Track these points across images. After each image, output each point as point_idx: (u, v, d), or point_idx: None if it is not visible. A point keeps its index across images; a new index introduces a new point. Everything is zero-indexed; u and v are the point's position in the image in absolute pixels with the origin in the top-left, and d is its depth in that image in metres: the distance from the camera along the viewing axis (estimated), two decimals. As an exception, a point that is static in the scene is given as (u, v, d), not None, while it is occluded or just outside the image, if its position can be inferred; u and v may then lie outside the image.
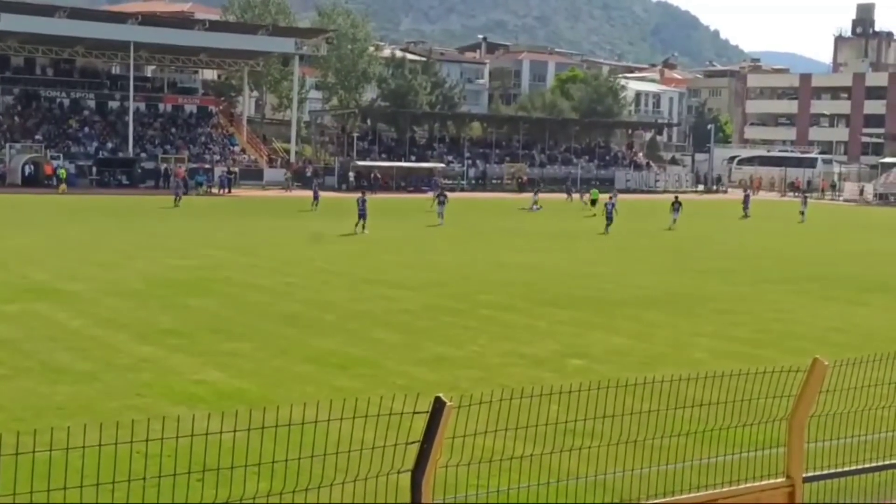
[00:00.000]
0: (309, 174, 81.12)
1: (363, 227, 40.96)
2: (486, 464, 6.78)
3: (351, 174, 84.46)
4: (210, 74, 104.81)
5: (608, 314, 21.70)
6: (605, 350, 17.54)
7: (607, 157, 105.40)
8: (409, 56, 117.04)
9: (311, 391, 13.41)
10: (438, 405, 5.47)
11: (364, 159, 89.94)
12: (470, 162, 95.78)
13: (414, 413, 5.63)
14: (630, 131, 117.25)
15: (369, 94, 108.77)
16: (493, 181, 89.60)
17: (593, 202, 58.47)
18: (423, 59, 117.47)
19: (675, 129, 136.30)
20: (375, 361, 15.93)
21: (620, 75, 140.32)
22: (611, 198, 48.80)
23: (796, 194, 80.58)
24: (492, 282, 27.03)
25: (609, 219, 45.03)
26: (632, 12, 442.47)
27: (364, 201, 42.16)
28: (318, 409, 5.71)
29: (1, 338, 16.71)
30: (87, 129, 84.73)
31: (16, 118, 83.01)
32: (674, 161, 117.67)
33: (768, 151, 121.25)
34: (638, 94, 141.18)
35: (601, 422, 7.02)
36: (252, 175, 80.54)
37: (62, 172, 69.68)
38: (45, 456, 5.87)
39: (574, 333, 19.11)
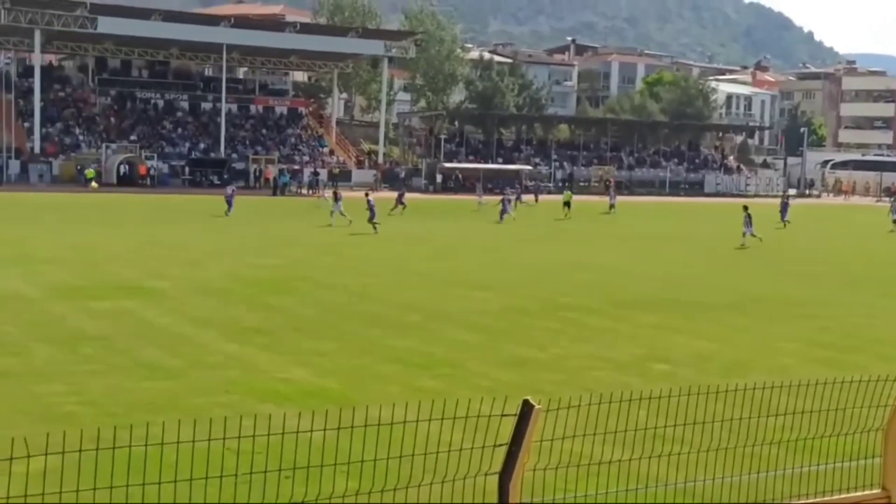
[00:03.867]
0: (402, 175, 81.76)
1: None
2: (574, 468, 6.71)
3: (438, 176, 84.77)
4: (300, 76, 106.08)
5: (690, 317, 21.38)
6: (689, 354, 17.27)
7: (697, 161, 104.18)
8: (497, 58, 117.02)
9: (395, 391, 13.46)
10: (527, 408, 5.42)
11: (451, 161, 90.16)
12: (557, 164, 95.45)
13: (502, 416, 5.59)
14: (720, 134, 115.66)
15: (457, 96, 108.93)
16: (581, 183, 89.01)
17: (566, 204, 56.45)
18: (511, 61, 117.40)
19: (766, 132, 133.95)
20: (457, 362, 15.92)
21: (711, 77, 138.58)
22: (505, 195, 48.61)
23: (891, 199, 78.78)
24: (571, 283, 26.88)
25: (502, 213, 46.50)
26: (723, 13, 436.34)
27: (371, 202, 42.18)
28: (406, 409, 5.70)
29: (93, 334, 17.08)
30: (180, 130, 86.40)
31: (112, 119, 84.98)
32: (765, 165, 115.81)
33: (863, 155, 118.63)
34: (729, 97, 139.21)
35: (689, 428, 6.89)
36: (341, 176, 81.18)
37: (89, 173, 70.39)
38: (140, 451, 5.99)
39: (656, 337, 18.86)
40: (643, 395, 6.61)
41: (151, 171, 74.66)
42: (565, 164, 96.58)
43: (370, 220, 41.68)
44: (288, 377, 14.21)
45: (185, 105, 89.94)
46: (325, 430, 5.65)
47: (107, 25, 76.57)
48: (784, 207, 53.03)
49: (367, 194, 45.00)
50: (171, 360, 15.21)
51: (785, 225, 51.20)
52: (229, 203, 48.71)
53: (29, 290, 22.29)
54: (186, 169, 79.37)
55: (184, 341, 16.80)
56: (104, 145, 78.20)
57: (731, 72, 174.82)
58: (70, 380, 13.60)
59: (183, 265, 28.09)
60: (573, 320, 20.54)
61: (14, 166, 72.89)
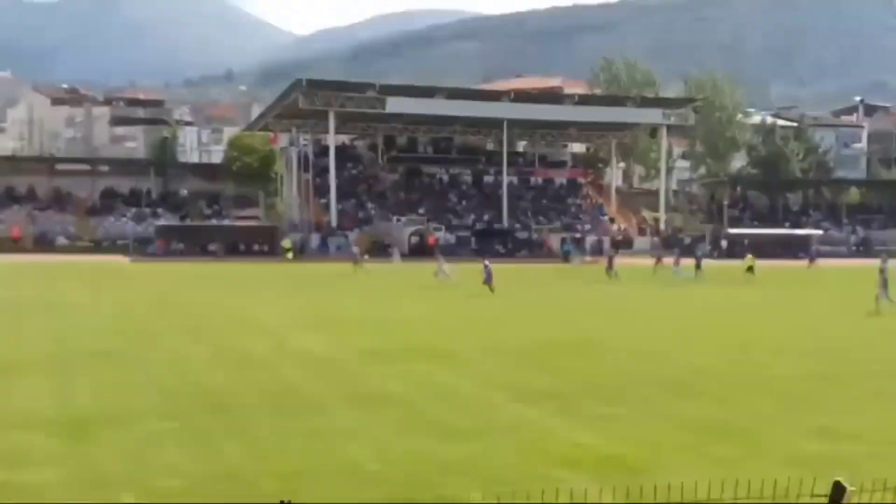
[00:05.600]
0: (687, 242, 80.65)
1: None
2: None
3: (723, 242, 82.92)
4: (578, 147, 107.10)
5: None
6: None
7: None
8: (780, 122, 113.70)
9: (690, 459, 13.14)
10: (838, 492, 5.07)
11: (735, 226, 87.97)
12: (850, 228, 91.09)
13: (812, 496, 5.29)
14: None
15: (738, 161, 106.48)
16: (878, 247, 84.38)
17: (750, 269, 53.47)
18: (796, 124, 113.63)
19: None
20: (755, 430, 15.38)
21: None
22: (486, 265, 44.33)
23: None
24: (881, 349, 25.43)
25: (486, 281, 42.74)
26: None
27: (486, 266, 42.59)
28: (719, 488, 5.58)
29: (393, 397, 17.75)
30: (464, 202, 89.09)
31: (401, 193, 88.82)
32: None
33: None
34: None
35: None
36: (622, 244, 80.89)
37: (286, 244, 73.78)
38: None
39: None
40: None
41: (440, 242, 77.35)
42: (858, 227, 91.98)
43: (485, 281, 42.18)
44: (581, 442, 14.19)
45: (469, 178, 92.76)
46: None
47: (395, 105, 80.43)
48: None
49: (485, 261, 44.86)
50: (466, 421, 15.55)
51: None
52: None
53: (334, 352, 23.52)
54: (472, 239, 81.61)
55: (478, 403, 17.15)
56: (394, 218, 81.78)
57: None
58: (372, 440, 14.17)
59: (475, 329, 28.89)
60: (882, 390, 19.37)
61: (315, 239, 77.43)
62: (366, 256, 47.33)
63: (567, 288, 49.05)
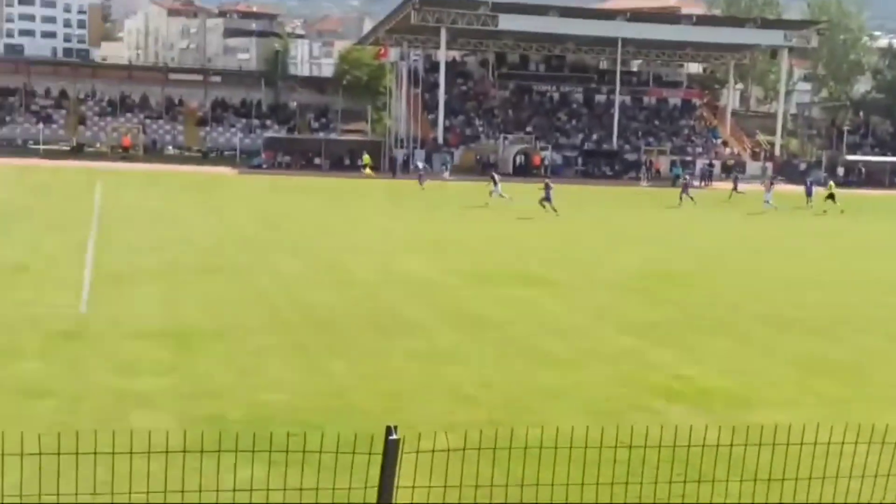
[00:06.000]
0: (803, 168, 78.73)
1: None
2: None
3: (840, 169, 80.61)
4: (694, 67, 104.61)
5: None
6: None
7: None
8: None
9: (793, 396, 12.97)
10: None
11: (854, 153, 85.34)
12: None
13: None
14: None
15: (862, 85, 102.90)
16: None
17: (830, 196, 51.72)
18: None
19: None
20: (863, 368, 15.05)
21: None
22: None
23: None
24: None
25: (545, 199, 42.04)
26: None
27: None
28: (822, 428, 5.47)
29: (495, 321, 17.83)
30: (574, 122, 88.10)
31: (510, 111, 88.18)
32: None
33: None
34: None
35: None
36: (734, 168, 79.20)
37: (366, 159, 73.58)
38: (535, 435, 6.16)
39: None
40: None
41: (545, 162, 76.73)
42: None
43: (543, 199, 42.29)
44: (682, 374, 14.09)
45: (580, 97, 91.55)
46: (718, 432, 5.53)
47: (507, 23, 79.56)
48: None
49: (547, 180, 45.34)
50: (566, 350, 15.56)
51: None
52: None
53: (437, 275, 23.69)
54: (579, 160, 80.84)
55: (579, 332, 17.13)
56: (501, 136, 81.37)
57: None
58: (472, 363, 14.29)
59: (572, 253, 28.79)
60: None
61: (419, 156, 77.63)
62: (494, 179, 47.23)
63: (667, 214, 48.34)
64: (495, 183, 47.46)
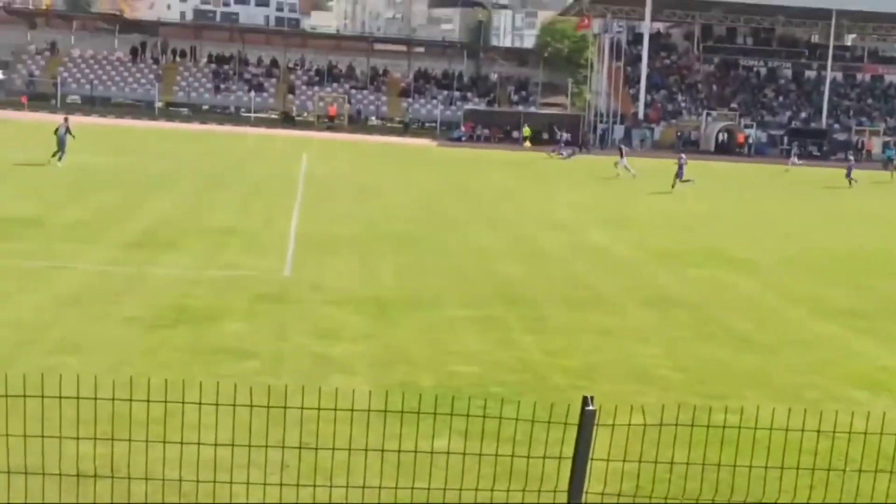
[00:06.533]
0: None
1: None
2: None
3: None
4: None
5: None
6: None
7: None
8: None
9: None
10: None
11: None
12: None
13: None
14: None
15: None
16: None
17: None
18: None
19: None
20: None
21: None
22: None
23: None
24: None
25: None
26: None
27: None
28: None
29: (686, 301, 17.58)
30: (781, 99, 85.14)
31: (714, 87, 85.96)
32: None
33: None
34: None
35: None
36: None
37: (526, 131, 72.65)
38: (719, 420, 6.09)
39: None
40: None
41: (749, 140, 74.55)
42: None
43: (677, 175, 41.65)
44: (886, 365, 13.54)
45: (788, 73, 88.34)
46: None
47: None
48: None
49: (681, 154, 45.06)
50: (761, 333, 15.20)
51: None
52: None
53: (626, 251, 23.53)
54: (785, 139, 78.10)
55: (774, 316, 16.70)
56: (704, 112, 79.45)
57: None
58: (663, 343, 14.15)
59: (774, 237, 27.99)
60: None
61: (618, 131, 76.71)
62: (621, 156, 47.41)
63: (872, 196, 46.25)
64: (622, 155, 48.40)
